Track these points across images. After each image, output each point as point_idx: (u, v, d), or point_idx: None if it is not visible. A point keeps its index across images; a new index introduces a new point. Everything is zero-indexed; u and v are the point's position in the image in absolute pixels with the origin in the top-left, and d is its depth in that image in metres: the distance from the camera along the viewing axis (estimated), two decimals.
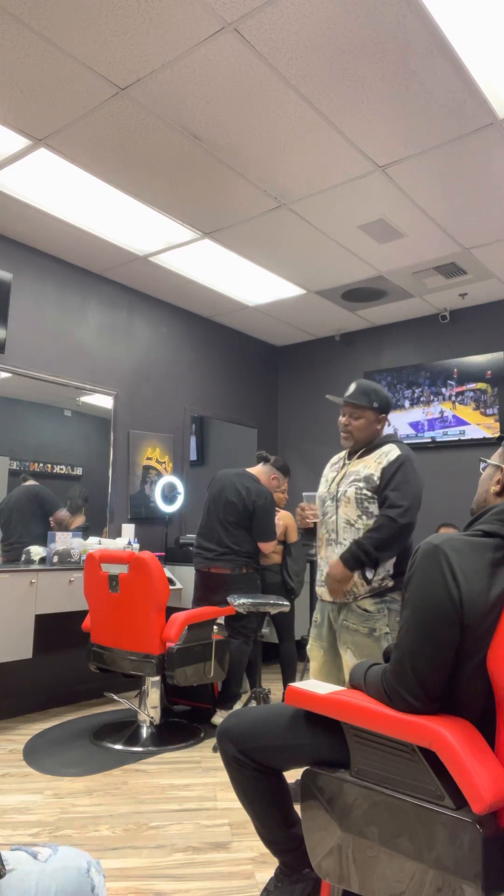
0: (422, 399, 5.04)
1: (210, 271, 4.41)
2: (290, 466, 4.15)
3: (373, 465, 2.47)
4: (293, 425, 5.94)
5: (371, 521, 2.42)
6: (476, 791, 1.13)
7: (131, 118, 2.81)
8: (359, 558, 2.35)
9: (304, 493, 2.61)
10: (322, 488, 2.65)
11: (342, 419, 2.58)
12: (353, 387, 2.59)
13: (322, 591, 2.50)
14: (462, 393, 4.86)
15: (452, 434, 4.88)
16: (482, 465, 1.55)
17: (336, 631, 2.47)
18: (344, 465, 2.60)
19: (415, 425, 5.05)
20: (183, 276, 4.48)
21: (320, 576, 2.53)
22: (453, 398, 4.90)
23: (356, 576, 2.37)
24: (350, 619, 2.40)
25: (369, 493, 2.42)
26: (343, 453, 2.71)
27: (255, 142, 2.94)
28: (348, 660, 2.40)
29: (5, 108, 2.75)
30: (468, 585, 1.23)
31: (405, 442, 5.00)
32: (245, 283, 4.59)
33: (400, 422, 5.12)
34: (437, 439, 4.95)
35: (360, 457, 2.56)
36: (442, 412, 4.94)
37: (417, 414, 5.05)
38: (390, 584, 2.39)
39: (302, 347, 5.97)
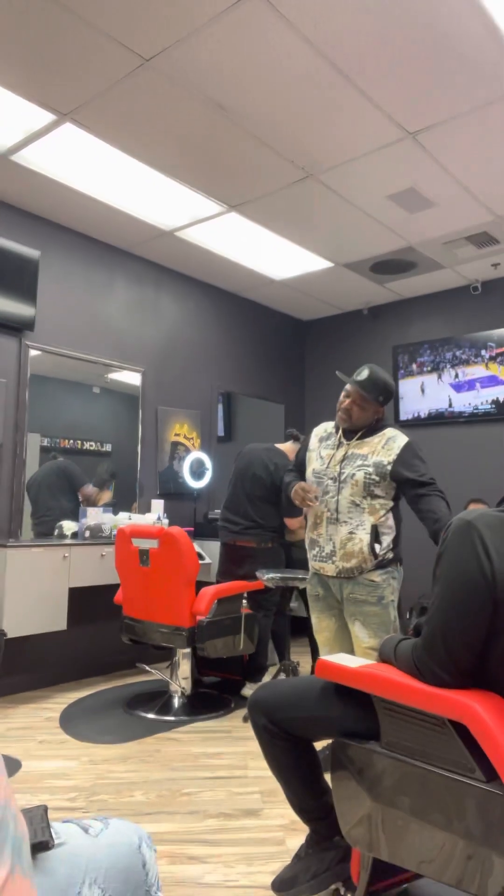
0: (462, 359, 4.94)
1: (236, 245, 4.37)
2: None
3: (381, 451, 2.51)
4: (320, 400, 5.90)
5: (376, 501, 2.49)
6: None
7: (157, 90, 2.77)
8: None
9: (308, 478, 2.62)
10: (317, 464, 2.63)
11: (345, 400, 2.56)
12: (365, 373, 2.56)
13: (323, 565, 2.55)
14: (502, 354, 4.76)
15: (487, 397, 4.80)
16: None
17: (342, 603, 2.55)
18: (340, 442, 2.61)
19: (456, 386, 4.97)
20: (209, 250, 4.45)
21: (318, 551, 2.58)
22: (491, 359, 4.80)
23: (367, 551, 2.45)
24: (357, 591, 2.50)
25: (377, 479, 2.49)
26: (330, 427, 2.71)
27: (282, 111, 2.89)
28: (356, 631, 2.51)
29: (30, 82, 2.73)
30: (501, 561, 1.22)
31: (441, 413, 4.98)
32: (272, 256, 4.54)
33: (442, 384, 5.05)
34: (467, 413, 4.89)
35: (360, 438, 2.58)
36: (474, 373, 4.88)
37: (456, 375, 4.96)
38: (391, 555, 2.53)
39: (329, 322, 5.91)
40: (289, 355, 5.90)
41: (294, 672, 3.40)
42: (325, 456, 2.63)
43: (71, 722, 3.19)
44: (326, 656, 1.54)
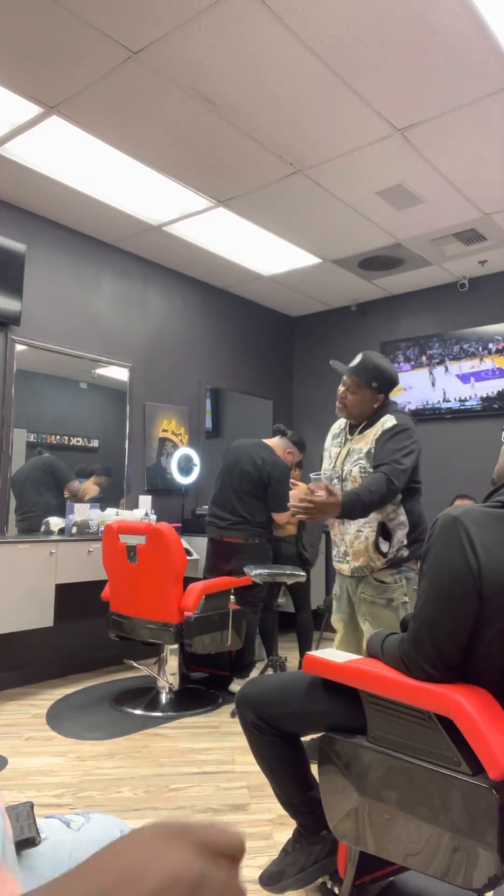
0: (469, 352, 4.91)
1: (224, 241, 4.36)
2: (305, 439, 4.15)
3: (371, 439, 2.46)
4: (308, 397, 5.91)
5: None
6: (493, 758, 1.15)
7: (144, 83, 2.75)
8: (353, 499, 2.24)
9: (311, 475, 2.60)
10: (326, 463, 2.63)
11: (340, 388, 2.54)
12: (358, 358, 2.54)
13: (341, 566, 2.52)
14: None
15: (481, 391, 4.82)
16: None
17: (354, 603, 2.50)
18: (346, 440, 2.58)
19: (463, 378, 4.96)
20: (197, 245, 4.43)
21: (336, 551, 2.55)
22: (498, 352, 4.79)
23: (372, 550, 2.38)
24: (367, 591, 2.43)
25: (371, 471, 2.41)
26: (344, 424, 2.67)
27: (271, 106, 2.88)
28: (367, 631, 2.44)
29: (17, 74, 2.70)
30: (487, 557, 1.23)
31: (429, 409, 4.99)
32: (260, 252, 4.54)
33: (449, 375, 5.03)
34: (455, 409, 4.91)
35: (360, 432, 2.53)
36: (472, 367, 4.87)
37: (465, 367, 4.95)
38: (405, 553, 2.40)
39: (317, 318, 5.91)
40: (277, 351, 5.90)
41: (281, 667, 3.41)
42: (333, 455, 2.60)
43: (58, 719, 3.18)
44: (313, 651, 1.54)
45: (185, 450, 4.86)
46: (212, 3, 2.30)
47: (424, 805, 1.25)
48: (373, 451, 2.43)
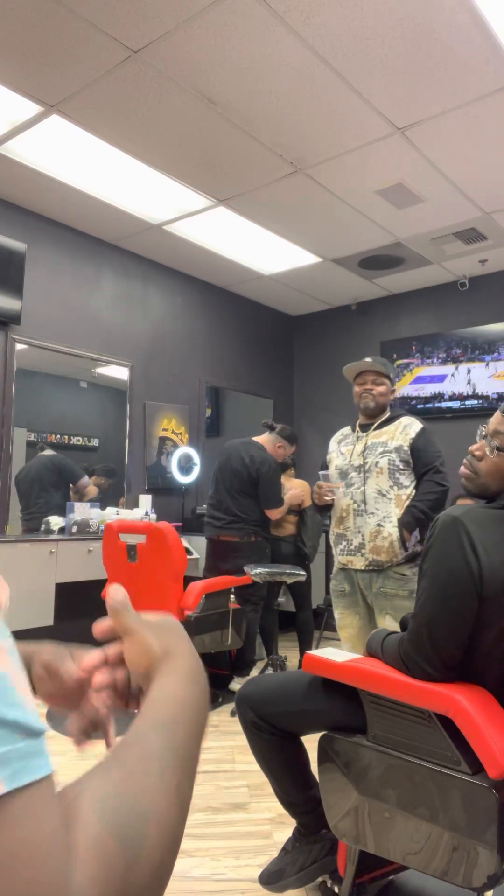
0: (469, 352, 4.89)
1: (225, 240, 4.36)
2: (299, 435, 4.15)
3: (399, 437, 2.60)
4: (308, 395, 5.91)
5: (402, 492, 2.55)
6: (492, 757, 1.15)
7: (145, 82, 2.75)
8: (420, 519, 2.51)
9: (320, 472, 2.72)
10: (339, 461, 2.73)
11: (364, 386, 2.70)
12: (369, 358, 2.76)
13: (351, 559, 2.56)
14: None
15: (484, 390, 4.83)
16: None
17: (370, 598, 2.55)
18: (358, 437, 2.70)
19: (464, 377, 4.94)
20: (197, 244, 4.43)
21: (346, 545, 2.58)
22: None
23: (397, 546, 2.49)
24: (388, 585, 2.52)
25: (401, 465, 2.55)
26: (347, 429, 2.83)
27: (271, 104, 2.87)
28: (387, 624, 2.51)
29: (17, 73, 2.70)
30: (487, 557, 1.23)
31: (429, 409, 5.00)
32: (260, 251, 4.53)
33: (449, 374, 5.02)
34: (455, 408, 4.91)
35: (377, 428, 2.67)
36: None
37: (466, 367, 4.92)
38: (419, 548, 2.53)
39: (317, 317, 5.91)
40: (277, 350, 5.90)
41: (281, 666, 3.41)
42: (345, 451, 2.73)
43: (58, 717, 3.17)
44: (313, 650, 1.54)
45: (185, 449, 4.86)
46: (212, 1, 2.30)
47: (424, 804, 1.25)
48: (405, 447, 2.57)
